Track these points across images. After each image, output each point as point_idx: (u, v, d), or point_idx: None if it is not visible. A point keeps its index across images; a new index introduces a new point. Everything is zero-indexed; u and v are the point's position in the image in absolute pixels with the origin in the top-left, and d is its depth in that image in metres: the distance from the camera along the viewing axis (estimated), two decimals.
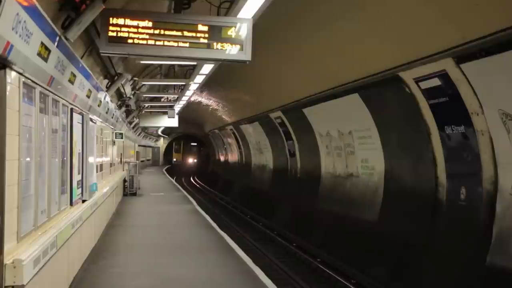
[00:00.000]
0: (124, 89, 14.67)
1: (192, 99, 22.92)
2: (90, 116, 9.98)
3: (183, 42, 5.96)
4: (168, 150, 69.92)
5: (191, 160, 64.66)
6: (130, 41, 5.83)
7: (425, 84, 9.53)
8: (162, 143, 69.72)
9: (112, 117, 14.58)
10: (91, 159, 10.17)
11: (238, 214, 24.76)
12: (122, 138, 18.15)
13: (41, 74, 5.50)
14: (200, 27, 5.98)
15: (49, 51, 5.34)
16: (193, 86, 14.91)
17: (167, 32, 5.92)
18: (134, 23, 5.83)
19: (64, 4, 5.88)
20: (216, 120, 33.68)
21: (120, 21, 5.81)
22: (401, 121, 11.55)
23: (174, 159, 65.04)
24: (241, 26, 6.06)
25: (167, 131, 48.83)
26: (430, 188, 10.45)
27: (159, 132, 50.06)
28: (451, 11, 7.59)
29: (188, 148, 64.89)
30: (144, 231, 13.53)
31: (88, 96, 8.95)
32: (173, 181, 35.19)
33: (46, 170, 6.18)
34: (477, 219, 8.93)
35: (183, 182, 46.27)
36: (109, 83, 12.08)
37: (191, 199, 22.12)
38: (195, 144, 63.55)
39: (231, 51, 6.06)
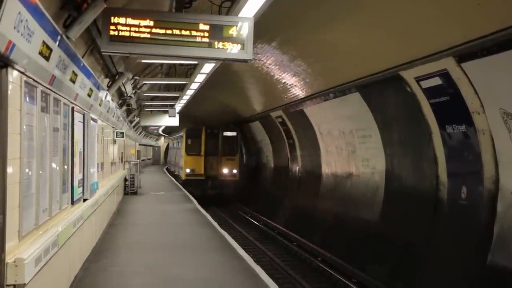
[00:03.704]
0: (125, 88, 14.67)
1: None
2: (91, 115, 9.98)
3: (184, 41, 5.96)
4: (174, 148, 40.28)
5: (226, 171, 28.41)
6: (131, 40, 5.83)
7: (426, 83, 9.52)
8: (162, 142, 69.76)
9: (113, 116, 14.58)
10: (92, 158, 10.17)
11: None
12: (123, 137, 18.16)
13: (43, 73, 5.50)
14: (201, 26, 5.98)
15: (51, 50, 5.34)
16: (194, 85, 14.90)
17: (168, 31, 5.92)
18: (136, 22, 5.83)
19: (66, 3, 5.88)
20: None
21: (122, 20, 5.81)
22: (402, 120, 11.55)
23: (188, 170, 28.42)
24: (242, 25, 6.06)
25: (168, 130, 48.30)
26: (431, 187, 10.45)
27: (160, 131, 50.11)
28: (453, 10, 7.58)
29: (217, 142, 28.59)
30: (145, 229, 13.54)
31: (89, 95, 8.94)
32: (174, 180, 35.00)
33: (48, 169, 6.18)
34: (478, 218, 8.93)
35: None
36: (110, 82, 12.08)
37: (191, 198, 22.12)
38: (233, 134, 28.91)
39: (232, 50, 6.06)
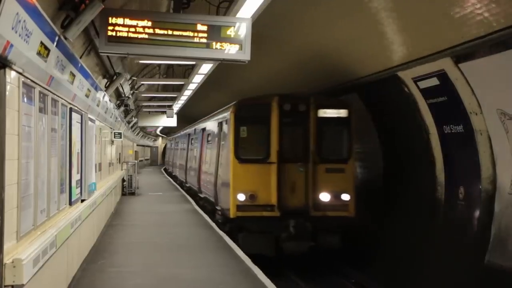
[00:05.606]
0: (122, 88, 14.69)
1: None
2: (89, 115, 9.98)
3: (182, 41, 5.97)
4: (192, 149, 21.29)
5: (327, 198, 11.57)
6: (129, 40, 5.84)
7: (423, 84, 9.54)
8: (160, 143, 69.66)
9: (110, 117, 14.59)
10: (90, 159, 10.17)
11: None
12: (120, 137, 18.16)
13: (41, 73, 5.50)
14: (199, 27, 6.00)
15: (49, 50, 5.34)
16: (192, 86, 14.93)
17: (166, 32, 5.93)
18: (133, 22, 5.84)
19: (64, 4, 5.89)
20: None
21: (119, 20, 5.83)
22: (399, 120, 11.55)
23: (241, 196, 11.51)
24: (240, 25, 6.07)
25: (166, 130, 48.15)
26: (428, 188, 10.46)
27: (158, 132, 50.07)
28: (450, 10, 7.59)
29: (305, 131, 11.69)
30: (143, 230, 13.53)
31: (87, 96, 8.95)
32: (171, 180, 34.95)
33: (46, 170, 6.18)
34: (476, 218, 8.94)
35: None
36: (108, 83, 12.10)
37: (189, 198, 22.10)
38: (342, 114, 11.84)
39: (230, 50, 6.08)
